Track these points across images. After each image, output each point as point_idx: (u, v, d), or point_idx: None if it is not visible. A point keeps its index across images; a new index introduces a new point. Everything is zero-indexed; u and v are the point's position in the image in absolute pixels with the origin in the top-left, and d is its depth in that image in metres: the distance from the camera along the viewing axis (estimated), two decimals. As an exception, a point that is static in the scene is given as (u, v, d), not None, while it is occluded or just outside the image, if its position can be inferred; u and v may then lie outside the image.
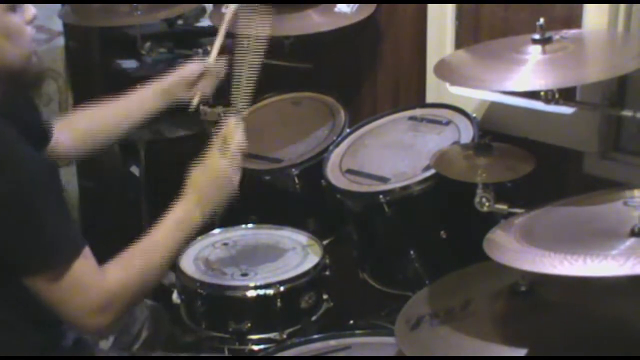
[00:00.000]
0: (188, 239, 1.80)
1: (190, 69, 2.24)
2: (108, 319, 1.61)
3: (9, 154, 1.54)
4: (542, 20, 1.82)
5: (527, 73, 1.79)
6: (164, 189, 2.04)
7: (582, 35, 2.03)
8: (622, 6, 1.99)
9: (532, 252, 1.49)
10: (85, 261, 1.59)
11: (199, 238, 2.37)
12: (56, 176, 1.66)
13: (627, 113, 1.86)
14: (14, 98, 1.67)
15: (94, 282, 1.60)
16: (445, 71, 2.00)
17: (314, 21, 2.58)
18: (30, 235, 1.53)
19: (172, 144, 3.02)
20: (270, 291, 2.11)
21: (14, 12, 1.59)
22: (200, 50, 2.83)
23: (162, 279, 1.81)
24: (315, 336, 2.03)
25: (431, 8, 2.46)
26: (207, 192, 1.82)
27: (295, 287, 2.15)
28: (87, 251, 1.61)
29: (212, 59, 2.29)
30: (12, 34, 1.59)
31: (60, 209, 1.61)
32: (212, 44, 2.39)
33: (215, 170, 1.86)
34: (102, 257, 1.68)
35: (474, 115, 2.25)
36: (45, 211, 1.56)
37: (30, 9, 1.63)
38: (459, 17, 2.41)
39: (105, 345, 2.05)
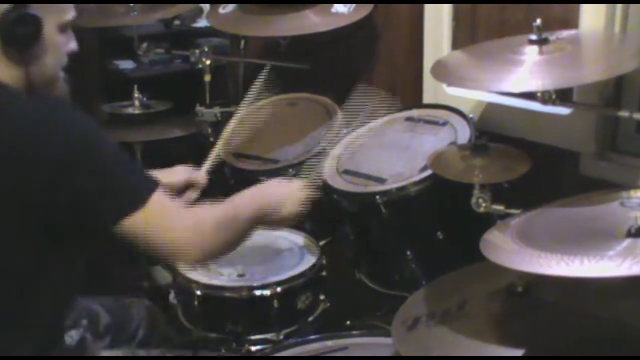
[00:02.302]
0: (258, 218, 1.88)
1: (178, 176, 2.23)
2: (203, 241, 1.70)
3: (69, 119, 1.64)
4: (538, 20, 1.82)
5: (523, 74, 1.79)
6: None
7: (578, 36, 2.03)
8: (619, 7, 1.99)
9: (529, 252, 1.49)
10: (164, 192, 1.70)
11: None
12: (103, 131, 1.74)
13: (624, 114, 1.86)
14: None
15: (179, 206, 1.72)
16: (442, 72, 2.00)
17: (311, 21, 2.58)
18: (113, 181, 1.63)
19: (169, 145, 3.02)
20: (267, 292, 2.11)
21: (62, 33, 1.71)
22: (197, 51, 2.84)
23: (243, 238, 1.86)
24: (312, 337, 2.03)
25: (428, 8, 2.46)
26: (277, 192, 1.97)
27: (292, 288, 2.15)
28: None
29: (204, 172, 2.30)
30: (54, 50, 1.70)
31: (123, 153, 1.70)
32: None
33: (288, 186, 2.03)
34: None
35: (471, 115, 2.25)
36: (117, 158, 1.66)
37: (74, 44, 1.76)
38: (456, 18, 2.41)
39: (102, 344, 2.05)
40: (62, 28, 1.70)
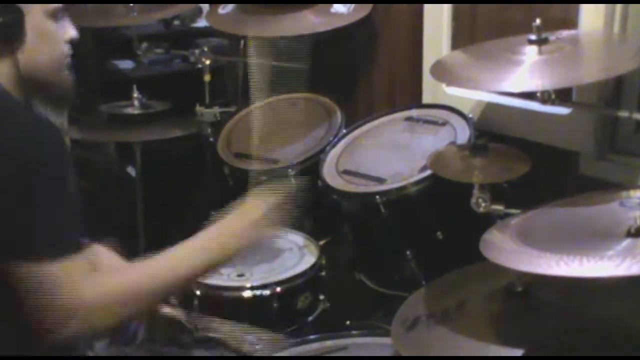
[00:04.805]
0: (201, 271, 1.65)
1: None
2: (83, 327, 1.51)
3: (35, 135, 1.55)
4: (538, 21, 1.82)
5: (523, 74, 1.79)
6: (160, 190, 2.04)
7: (578, 35, 2.03)
8: (618, 7, 1.99)
9: (528, 252, 1.49)
10: (82, 261, 1.53)
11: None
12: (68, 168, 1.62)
13: (623, 114, 1.86)
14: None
15: (87, 279, 1.52)
16: (442, 72, 2.00)
17: (310, 22, 2.58)
18: (49, 218, 1.49)
19: (169, 145, 3.02)
20: (266, 292, 2.11)
21: (54, 20, 1.66)
22: (196, 51, 2.84)
23: (165, 301, 1.73)
24: (312, 337, 2.03)
25: (427, 8, 2.46)
26: (235, 234, 1.68)
27: (292, 288, 2.15)
28: (84, 251, 1.56)
29: None
30: (47, 39, 1.66)
31: (73, 203, 1.57)
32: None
33: (251, 219, 1.70)
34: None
35: (470, 115, 2.25)
36: (60, 197, 1.53)
37: (72, 31, 1.71)
38: (455, 18, 2.41)
39: (101, 344, 2.05)
40: (53, 15, 1.66)
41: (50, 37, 1.68)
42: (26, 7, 1.62)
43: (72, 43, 1.73)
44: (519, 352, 1.51)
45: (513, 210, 1.81)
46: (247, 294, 2.12)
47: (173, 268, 1.60)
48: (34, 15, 1.64)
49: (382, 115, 2.45)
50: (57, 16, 1.68)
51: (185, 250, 1.61)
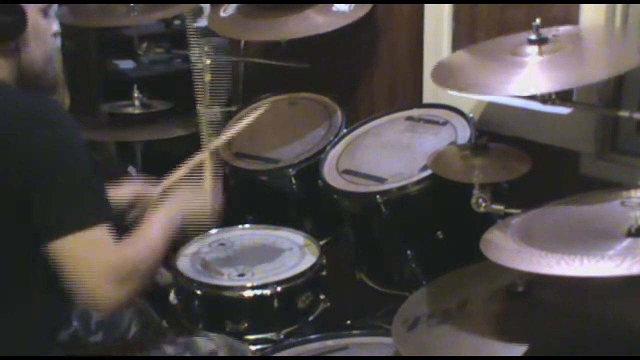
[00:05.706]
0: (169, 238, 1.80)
1: (124, 191, 2.08)
2: (122, 287, 1.59)
3: (61, 119, 1.61)
4: (538, 20, 1.82)
5: (528, 76, 1.77)
6: (161, 189, 2.04)
7: (578, 32, 2.01)
8: (619, 6, 1.99)
9: (529, 252, 1.49)
10: (108, 228, 1.61)
11: (196, 238, 2.37)
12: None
13: (624, 113, 1.86)
14: None
15: (115, 247, 1.61)
16: (443, 77, 1.97)
17: (313, 21, 2.58)
18: (72, 193, 1.57)
19: (169, 144, 3.02)
20: (267, 291, 2.11)
21: (45, 17, 1.71)
22: (197, 51, 2.84)
23: (154, 271, 1.80)
24: (313, 336, 2.03)
25: (428, 8, 2.46)
26: (183, 200, 1.92)
27: (292, 288, 2.14)
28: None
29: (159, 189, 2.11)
30: (40, 35, 1.70)
31: (95, 177, 1.64)
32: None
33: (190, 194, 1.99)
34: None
35: (471, 115, 2.25)
36: (87, 174, 1.60)
37: (55, 26, 1.76)
38: (456, 18, 2.41)
39: (95, 339, 2.04)
40: (44, 12, 1.71)
41: (42, 33, 1.71)
42: (27, 6, 1.65)
43: (54, 36, 1.76)
44: (519, 352, 1.51)
45: (513, 210, 1.81)
46: (247, 293, 2.12)
47: (153, 233, 1.75)
48: (32, 14, 1.67)
49: (382, 115, 2.45)
50: (47, 13, 1.72)
51: (154, 222, 1.78)
